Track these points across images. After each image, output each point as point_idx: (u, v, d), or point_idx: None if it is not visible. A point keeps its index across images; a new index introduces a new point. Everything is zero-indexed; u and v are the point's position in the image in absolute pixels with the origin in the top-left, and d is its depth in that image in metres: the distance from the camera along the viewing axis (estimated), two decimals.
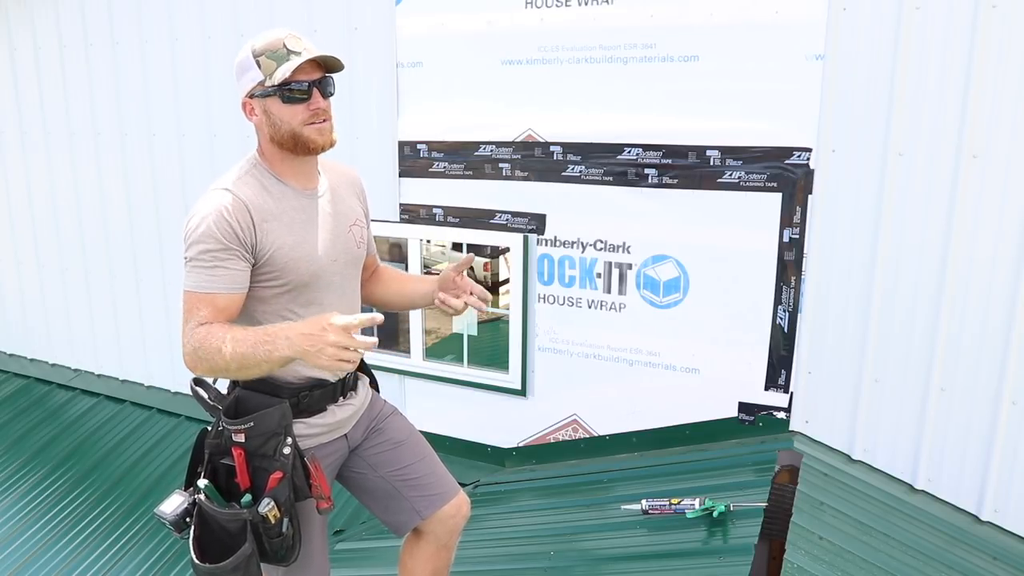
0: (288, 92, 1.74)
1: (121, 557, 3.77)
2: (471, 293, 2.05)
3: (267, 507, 1.75)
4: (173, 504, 1.85)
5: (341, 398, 1.97)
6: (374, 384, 2.17)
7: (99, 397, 5.08)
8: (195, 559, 1.81)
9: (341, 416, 1.96)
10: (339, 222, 1.93)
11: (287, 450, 1.79)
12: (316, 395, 1.89)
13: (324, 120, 1.78)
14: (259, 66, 1.75)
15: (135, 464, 4.42)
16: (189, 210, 1.78)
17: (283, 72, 1.72)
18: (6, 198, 5.34)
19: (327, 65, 1.78)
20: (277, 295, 1.81)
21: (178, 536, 1.87)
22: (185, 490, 1.89)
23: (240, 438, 1.80)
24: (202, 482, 1.83)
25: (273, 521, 1.76)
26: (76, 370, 5.30)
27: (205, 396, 1.89)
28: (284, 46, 1.74)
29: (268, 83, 1.74)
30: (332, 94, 1.82)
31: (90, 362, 5.22)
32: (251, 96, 1.78)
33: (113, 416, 4.89)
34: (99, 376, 5.18)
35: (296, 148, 1.79)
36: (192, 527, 1.84)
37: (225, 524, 1.79)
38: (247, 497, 1.80)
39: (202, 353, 1.67)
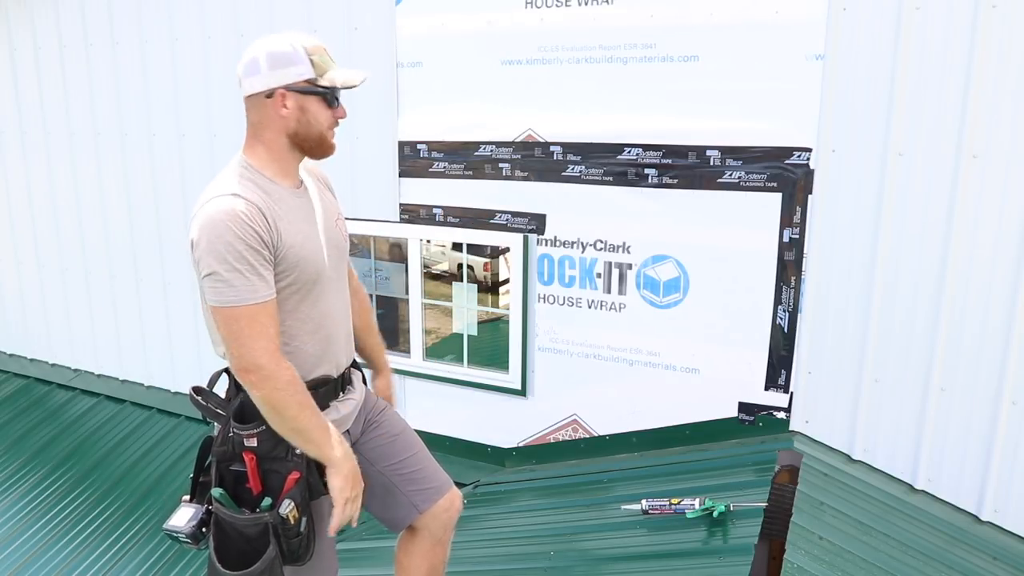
0: (336, 96, 1.81)
1: (121, 557, 3.77)
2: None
3: (288, 508, 1.74)
4: (185, 516, 1.83)
5: (341, 393, 1.97)
6: (363, 378, 2.18)
7: (99, 397, 5.08)
8: (220, 568, 1.78)
9: (344, 412, 1.96)
10: (327, 217, 1.94)
11: (300, 450, 1.79)
12: (321, 393, 1.89)
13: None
14: (312, 63, 1.77)
15: (135, 464, 4.42)
16: (195, 222, 1.71)
17: (342, 77, 1.79)
18: (6, 198, 5.35)
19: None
20: (288, 296, 1.79)
21: (195, 548, 1.85)
22: (191, 500, 1.87)
23: (252, 442, 1.78)
24: (216, 491, 1.81)
25: (293, 522, 1.75)
26: (76, 370, 5.30)
27: (208, 405, 1.86)
28: (326, 52, 1.81)
29: (321, 82, 1.77)
30: None
31: (90, 362, 5.23)
32: (289, 89, 1.77)
33: (113, 416, 4.90)
34: (99, 376, 5.19)
35: (316, 148, 1.84)
36: (211, 537, 1.82)
37: (243, 530, 1.78)
38: (267, 500, 1.78)
39: (281, 393, 1.71)
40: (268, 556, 1.75)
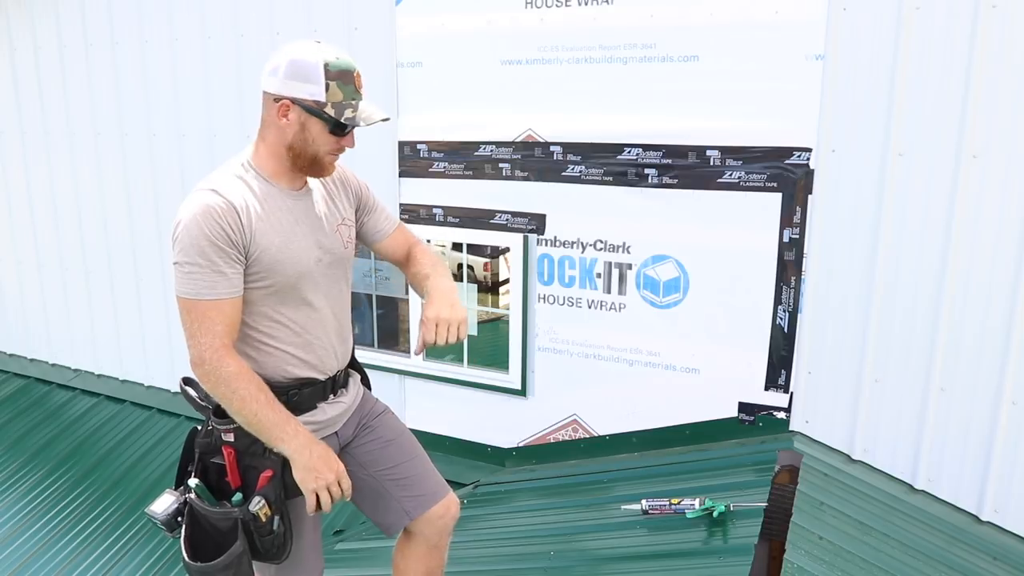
0: (339, 128, 1.77)
1: (121, 557, 3.77)
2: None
3: (257, 506, 1.75)
4: (164, 504, 1.86)
5: (332, 396, 1.97)
6: (365, 381, 2.17)
7: (99, 397, 5.08)
8: (186, 558, 1.82)
9: (332, 414, 1.96)
10: (326, 222, 1.92)
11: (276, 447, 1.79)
12: (306, 393, 1.89)
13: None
14: (327, 87, 1.73)
15: (135, 464, 4.42)
16: (180, 208, 1.76)
17: (353, 115, 1.76)
18: (6, 198, 5.34)
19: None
20: (264, 296, 1.80)
21: (170, 536, 1.88)
22: (176, 489, 1.90)
23: (229, 437, 1.80)
24: (192, 481, 1.84)
25: (264, 519, 1.76)
26: (76, 370, 5.30)
27: (195, 396, 1.89)
28: (354, 82, 1.76)
29: (328, 109, 1.74)
30: None
31: (90, 362, 5.22)
32: (295, 102, 1.75)
33: (113, 416, 4.90)
34: (99, 376, 5.19)
35: (309, 167, 1.82)
36: (183, 526, 1.85)
37: (216, 523, 1.80)
38: (238, 496, 1.80)
39: (224, 387, 1.71)
40: (234, 551, 1.77)
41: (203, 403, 1.87)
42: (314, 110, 1.74)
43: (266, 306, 1.81)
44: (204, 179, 1.80)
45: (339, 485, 1.78)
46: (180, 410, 4.71)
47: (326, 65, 1.72)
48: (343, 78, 1.74)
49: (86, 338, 5.20)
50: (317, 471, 1.74)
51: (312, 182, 1.93)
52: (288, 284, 1.81)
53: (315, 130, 1.76)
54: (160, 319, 4.77)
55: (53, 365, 5.42)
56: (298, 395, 1.87)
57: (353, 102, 1.76)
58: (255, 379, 1.74)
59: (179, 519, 1.86)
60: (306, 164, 1.81)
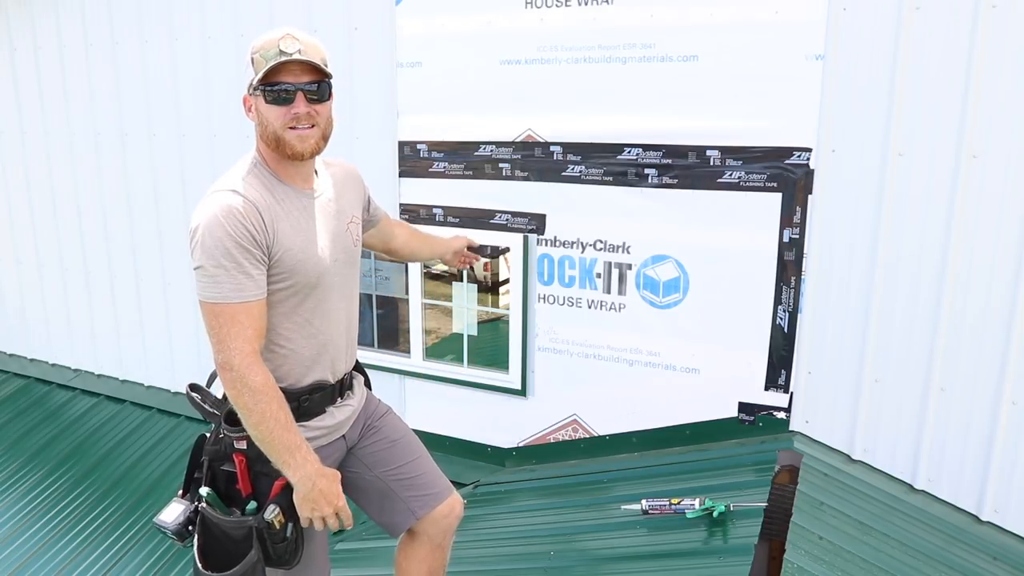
0: (270, 92, 1.73)
1: (121, 557, 3.77)
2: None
3: (273, 514, 1.74)
4: (174, 513, 1.84)
5: (339, 399, 1.96)
6: (367, 383, 2.17)
7: (99, 397, 5.08)
8: (200, 568, 1.79)
9: (340, 417, 1.95)
10: (338, 221, 1.92)
11: None
12: (316, 398, 1.89)
13: (308, 126, 1.75)
14: (252, 63, 1.75)
15: (135, 464, 4.42)
16: (195, 213, 1.73)
17: (263, 72, 1.71)
18: (6, 198, 5.34)
19: (320, 69, 1.76)
20: (285, 298, 1.79)
21: (180, 545, 1.86)
22: (183, 496, 1.88)
23: (242, 445, 1.78)
24: (204, 490, 1.81)
25: (278, 527, 1.75)
26: (76, 370, 5.30)
27: (202, 403, 1.87)
28: (277, 45, 1.73)
29: (255, 81, 1.74)
30: (322, 100, 1.78)
31: (90, 362, 5.23)
32: (250, 93, 1.78)
33: (113, 416, 4.90)
34: (99, 376, 5.19)
35: (279, 151, 1.77)
36: (196, 535, 1.83)
37: (229, 531, 1.78)
38: (252, 504, 1.79)
39: (247, 397, 1.66)
40: (249, 560, 1.75)
41: (212, 410, 1.85)
42: (251, 90, 1.77)
43: (286, 307, 1.80)
44: (221, 179, 1.77)
45: (337, 517, 1.76)
46: (180, 410, 4.71)
47: (252, 46, 1.76)
48: (263, 48, 1.74)
49: (86, 338, 5.20)
50: (315, 503, 1.72)
51: (323, 182, 1.92)
52: (309, 284, 1.80)
53: (262, 108, 1.76)
54: (160, 319, 4.77)
55: (53, 365, 5.42)
56: (309, 400, 1.86)
57: (270, 63, 1.72)
58: (278, 396, 1.70)
59: (190, 528, 1.84)
60: (276, 148, 1.77)
